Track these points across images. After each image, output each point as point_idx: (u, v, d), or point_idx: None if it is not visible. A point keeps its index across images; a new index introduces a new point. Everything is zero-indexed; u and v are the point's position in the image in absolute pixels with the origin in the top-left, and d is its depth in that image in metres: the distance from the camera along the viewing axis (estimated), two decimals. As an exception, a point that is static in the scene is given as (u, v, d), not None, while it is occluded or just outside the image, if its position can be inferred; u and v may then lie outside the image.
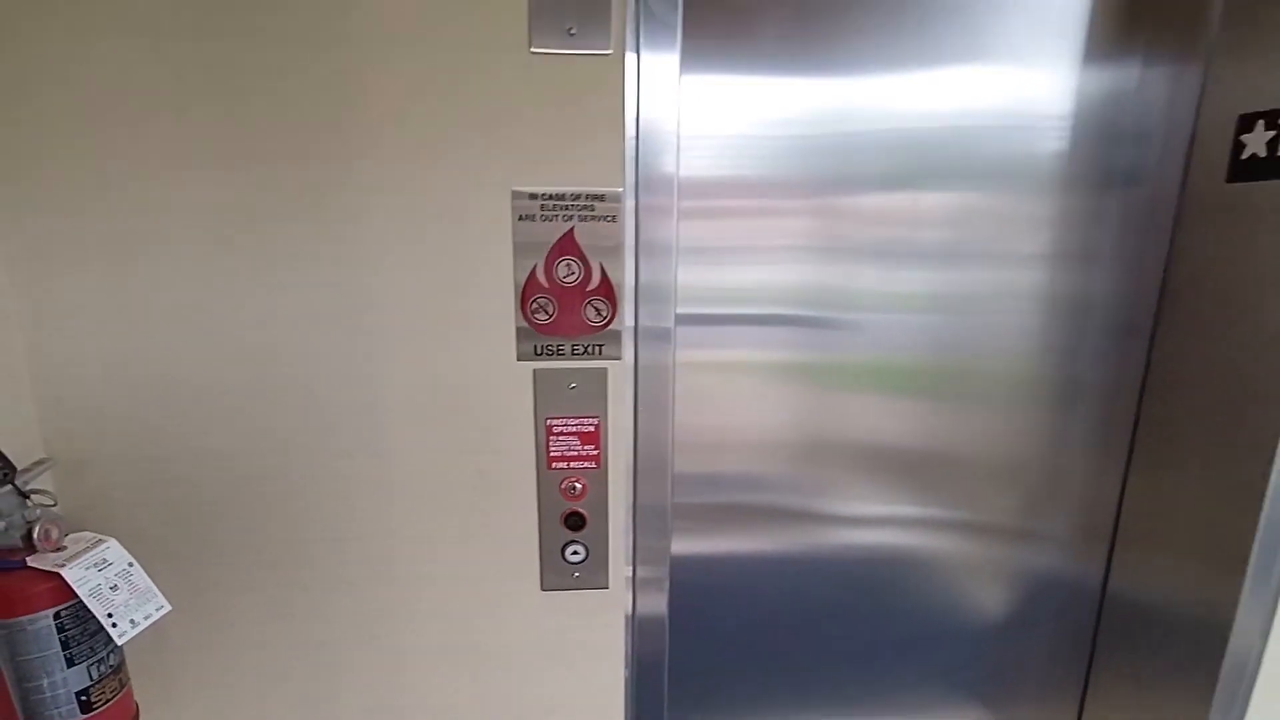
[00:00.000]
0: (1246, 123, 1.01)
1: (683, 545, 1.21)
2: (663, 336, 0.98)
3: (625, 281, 0.94)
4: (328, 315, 0.89)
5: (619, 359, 0.95)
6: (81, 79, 0.80)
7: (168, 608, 0.81)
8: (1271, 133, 0.97)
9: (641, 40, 0.90)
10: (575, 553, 1.00)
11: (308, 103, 0.83)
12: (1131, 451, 1.27)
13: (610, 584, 1.02)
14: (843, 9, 1.04)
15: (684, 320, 1.09)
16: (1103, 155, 1.14)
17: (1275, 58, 1.00)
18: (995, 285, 1.18)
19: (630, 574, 1.06)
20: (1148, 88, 1.11)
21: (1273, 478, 1.03)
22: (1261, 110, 0.98)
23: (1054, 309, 1.21)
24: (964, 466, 1.28)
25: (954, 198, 1.12)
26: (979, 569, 1.34)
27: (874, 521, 1.27)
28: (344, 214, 0.87)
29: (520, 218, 0.90)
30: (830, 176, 1.09)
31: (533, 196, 0.89)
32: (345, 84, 0.83)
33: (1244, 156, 1.01)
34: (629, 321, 0.97)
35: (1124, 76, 1.12)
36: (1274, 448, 1.02)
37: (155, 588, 0.81)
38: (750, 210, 1.08)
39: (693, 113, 1.02)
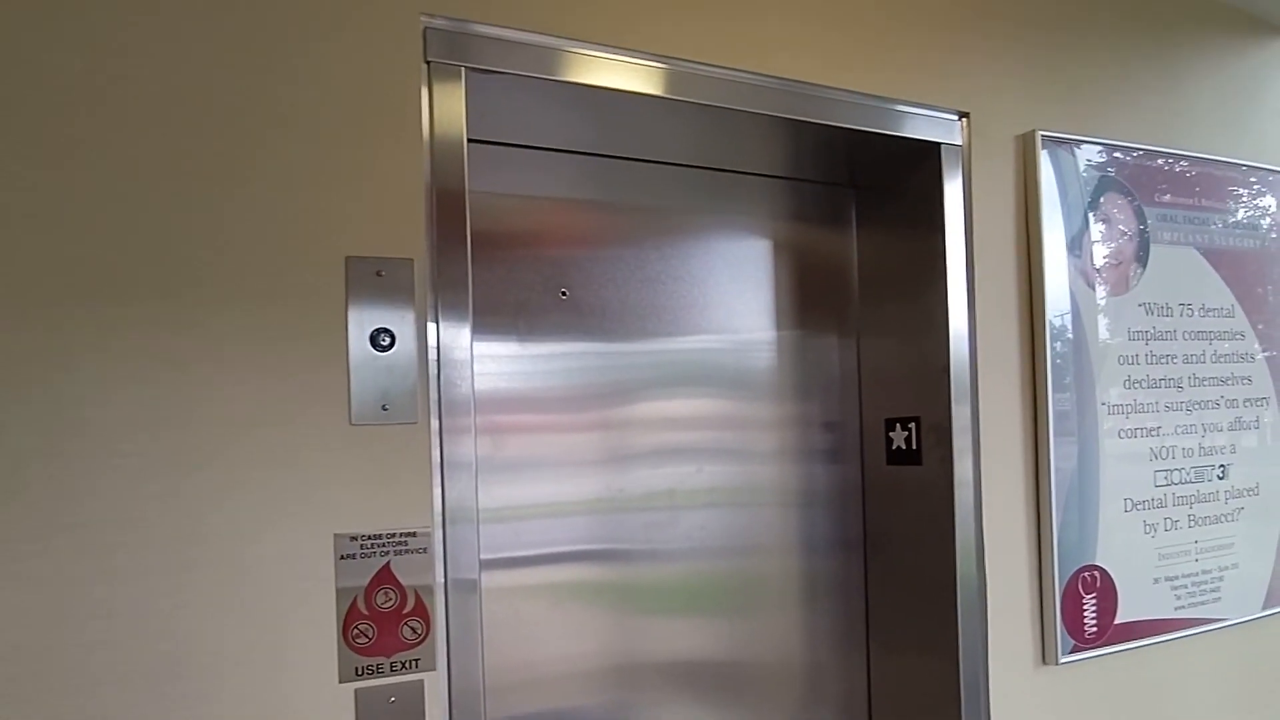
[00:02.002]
0: (891, 425, 1.41)
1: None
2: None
3: (438, 605, 1.10)
4: (145, 673, 0.96)
5: (434, 670, 1.09)
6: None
7: None
8: (905, 433, 1.37)
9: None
10: None
11: (163, 476, 0.96)
12: (869, 645, 1.57)
13: None
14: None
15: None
16: (803, 393, 1.52)
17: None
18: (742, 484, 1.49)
19: None
20: (824, 349, 1.53)
21: (961, 660, 1.34)
22: (898, 417, 1.39)
23: (787, 512, 1.52)
24: (732, 673, 1.51)
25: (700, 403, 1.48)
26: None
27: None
28: (181, 565, 0.97)
29: (342, 556, 1.05)
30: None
31: (353, 538, 1.05)
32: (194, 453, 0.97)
33: (894, 448, 1.40)
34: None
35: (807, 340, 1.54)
36: (956, 636, 1.35)
37: None
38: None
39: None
